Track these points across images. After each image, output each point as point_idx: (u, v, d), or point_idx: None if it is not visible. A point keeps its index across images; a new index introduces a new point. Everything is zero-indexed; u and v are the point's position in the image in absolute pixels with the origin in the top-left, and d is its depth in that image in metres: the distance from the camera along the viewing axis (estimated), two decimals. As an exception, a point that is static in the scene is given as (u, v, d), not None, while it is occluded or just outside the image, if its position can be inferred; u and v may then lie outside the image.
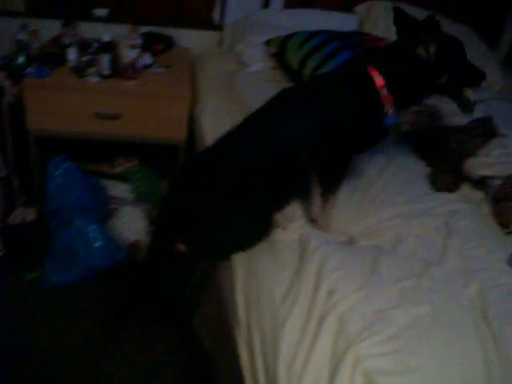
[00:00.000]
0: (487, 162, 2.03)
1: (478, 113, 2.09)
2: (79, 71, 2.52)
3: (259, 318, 1.47)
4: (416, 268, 1.62)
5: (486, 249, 1.77)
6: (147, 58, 2.68)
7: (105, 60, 2.46)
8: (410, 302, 1.48)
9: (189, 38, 3.08)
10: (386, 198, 1.94)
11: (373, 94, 1.74)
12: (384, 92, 1.73)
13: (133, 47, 2.48)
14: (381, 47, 1.87)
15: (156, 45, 2.82)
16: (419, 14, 3.09)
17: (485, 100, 2.56)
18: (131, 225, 2.64)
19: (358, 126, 1.76)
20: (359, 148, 1.89)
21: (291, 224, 1.78)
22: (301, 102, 1.73)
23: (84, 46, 2.66)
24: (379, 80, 1.73)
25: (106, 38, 2.44)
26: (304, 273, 1.55)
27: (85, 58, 2.60)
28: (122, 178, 2.83)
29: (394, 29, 3.05)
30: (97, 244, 2.41)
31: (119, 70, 2.52)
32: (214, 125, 2.38)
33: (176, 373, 2.12)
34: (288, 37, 2.73)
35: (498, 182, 1.99)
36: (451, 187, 2.05)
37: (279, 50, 2.74)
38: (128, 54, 2.48)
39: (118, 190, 2.83)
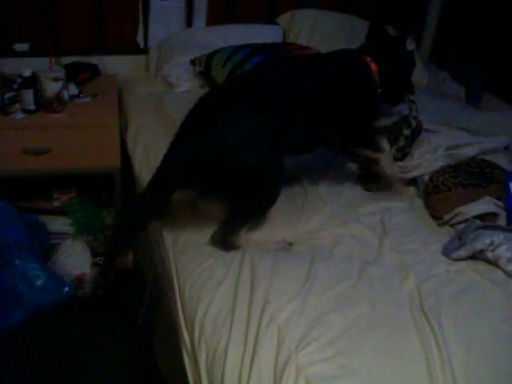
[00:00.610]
0: (413, 165, 2.09)
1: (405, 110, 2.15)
2: (3, 109, 2.47)
3: (202, 337, 1.45)
4: (353, 269, 1.63)
5: (421, 242, 1.81)
6: (73, 89, 2.65)
7: (28, 95, 2.42)
8: (348, 303, 1.49)
9: (115, 65, 3.05)
10: (320, 203, 1.97)
11: (370, 77, 1.95)
12: (376, 76, 1.95)
13: (56, 79, 2.45)
14: (369, 43, 2.06)
15: (81, 74, 2.79)
16: (342, 18, 3.19)
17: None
18: (74, 258, 2.59)
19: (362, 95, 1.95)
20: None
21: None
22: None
23: (7, 82, 2.61)
24: (373, 65, 1.95)
25: (27, 72, 2.39)
26: (241, 286, 1.55)
27: (8, 95, 2.56)
28: (60, 212, 2.77)
29: (317, 36, 3.14)
30: (39, 282, 2.34)
31: (44, 104, 2.48)
32: (146, 146, 2.39)
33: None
34: (212, 54, 2.74)
35: (427, 177, 2.05)
36: (382, 186, 2.09)
37: (205, 68, 2.74)
38: (51, 87, 2.45)
39: (58, 224, 2.77)
